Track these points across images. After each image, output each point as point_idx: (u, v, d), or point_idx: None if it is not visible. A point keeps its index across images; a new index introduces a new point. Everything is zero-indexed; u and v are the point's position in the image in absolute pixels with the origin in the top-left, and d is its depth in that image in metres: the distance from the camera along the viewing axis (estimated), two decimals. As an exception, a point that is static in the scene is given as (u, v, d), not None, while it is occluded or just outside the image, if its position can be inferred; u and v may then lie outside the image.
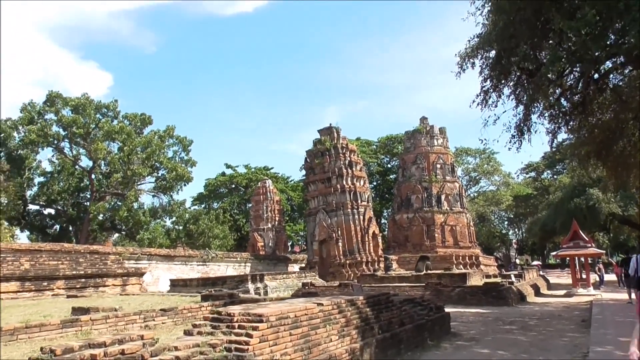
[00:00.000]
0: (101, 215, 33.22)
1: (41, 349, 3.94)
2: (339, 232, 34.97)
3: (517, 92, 13.69)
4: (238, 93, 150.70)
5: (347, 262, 33.86)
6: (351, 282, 21.64)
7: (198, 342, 4.89)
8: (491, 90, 13.15)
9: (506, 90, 13.73)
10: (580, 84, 14.19)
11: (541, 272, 36.64)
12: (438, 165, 44.57)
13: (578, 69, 13.16)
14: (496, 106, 13.15)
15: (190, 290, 24.48)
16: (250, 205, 53.37)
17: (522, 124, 13.43)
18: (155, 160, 33.88)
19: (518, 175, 69.22)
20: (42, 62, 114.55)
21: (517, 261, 64.00)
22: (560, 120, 14.85)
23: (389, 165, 65.02)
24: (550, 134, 14.85)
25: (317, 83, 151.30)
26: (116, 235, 41.10)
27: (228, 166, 66.67)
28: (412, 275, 21.07)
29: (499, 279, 22.70)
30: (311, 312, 6.24)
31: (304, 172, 39.47)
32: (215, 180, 66.45)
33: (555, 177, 57.56)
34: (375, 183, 66.16)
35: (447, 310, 15.92)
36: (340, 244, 34.82)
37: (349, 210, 35.20)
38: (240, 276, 23.49)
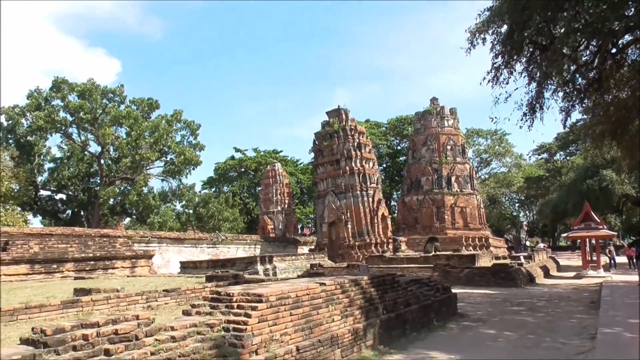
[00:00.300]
0: (112, 199, 33.43)
1: (32, 329, 3.89)
2: (348, 214, 34.92)
3: (529, 69, 13.30)
4: (247, 78, 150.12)
5: (356, 243, 33.87)
6: (359, 263, 21.61)
7: (195, 322, 4.82)
8: (502, 67, 12.79)
9: (518, 67, 13.35)
10: (596, 59, 13.74)
11: (551, 254, 36.34)
12: (448, 147, 44.10)
13: (594, 42, 12.73)
14: (507, 83, 12.81)
15: (200, 272, 24.61)
16: (259, 188, 53.44)
17: (534, 102, 13.09)
18: (164, 144, 33.88)
19: (530, 157, 68.24)
20: (50, 50, 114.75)
21: (528, 243, 63.59)
22: (574, 98, 14.43)
23: (398, 147, 64.52)
24: (564, 112, 14.46)
25: (326, 66, 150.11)
26: (127, 219, 41.45)
27: (237, 150, 66.62)
28: (420, 257, 20.97)
29: (508, 261, 22.52)
30: (313, 292, 6.14)
31: (313, 155, 39.25)
32: (224, 164, 66.53)
33: (568, 158, 56.63)
34: (385, 165, 65.79)
35: (455, 291, 15.82)
36: (349, 226, 34.79)
37: (358, 192, 35.06)
38: (249, 258, 23.57)
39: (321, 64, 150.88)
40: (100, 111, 32.97)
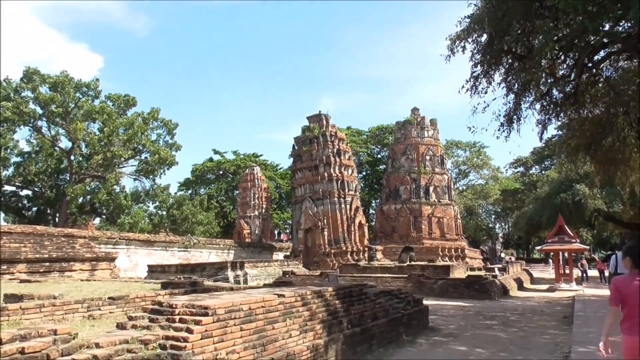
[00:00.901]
0: (81, 198, 32.21)
1: None
2: (325, 220, 34.47)
3: (508, 80, 13.11)
4: (232, 80, 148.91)
5: (332, 251, 33.42)
6: (329, 272, 21.14)
7: (128, 337, 4.25)
8: (481, 76, 12.55)
9: (497, 77, 13.15)
10: (573, 73, 13.67)
11: (524, 266, 36.49)
12: (427, 157, 44.24)
13: (571, 55, 12.62)
14: (486, 92, 12.57)
15: (169, 277, 23.83)
16: (237, 192, 52.63)
17: (511, 113, 12.88)
18: (138, 142, 32.83)
19: (507, 170, 69.19)
20: (30, 42, 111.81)
21: (503, 255, 64.12)
22: (551, 112, 14.33)
23: (379, 156, 64.55)
24: (540, 125, 14.31)
25: (311, 73, 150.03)
26: (97, 219, 40.11)
27: (216, 152, 65.67)
28: (395, 266, 20.62)
29: (482, 272, 22.34)
30: (270, 304, 5.63)
31: (292, 159, 38.74)
32: (202, 166, 65.43)
33: (543, 172, 57.46)
34: (364, 173, 65.72)
35: (428, 302, 15.47)
36: (325, 233, 34.34)
37: (336, 199, 34.69)
38: (220, 263, 22.92)
39: (307, 70, 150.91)
40: (73, 105, 31.77)
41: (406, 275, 18.57)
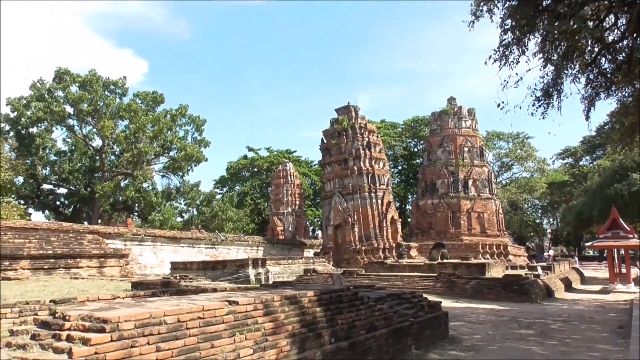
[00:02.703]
0: (110, 196, 32.25)
1: None
2: (355, 216, 33.02)
3: (545, 48, 11.23)
4: (268, 79, 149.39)
5: (363, 248, 31.93)
6: (358, 269, 19.72)
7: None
8: (512, 44, 10.72)
9: (532, 46, 11.30)
10: (625, 39, 11.65)
11: (575, 264, 33.64)
12: (466, 149, 42.11)
13: (624, 16, 10.65)
14: (518, 63, 10.72)
15: (190, 274, 23.12)
16: (270, 188, 51.97)
17: (550, 87, 11.01)
18: (165, 139, 32.56)
19: (554, 161, 65.21)
20: (79, 49, 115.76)
21: (552, 252, 60.43)
22: (599, 85, 12.31)
23: (415, 149, 62.29)
24: (587, 101, 12.33)
25: (349, 70, 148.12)
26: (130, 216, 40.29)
27: (250, 149, 65.30)
28: (424, 264, 18.96)
29: (525, 271, 20.30)
30: (212, 314, 4.34)
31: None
32: (236, 164, 65.21)
33: (594, 163, 53.45)
34: (400, 167, 63.73)
35: (458, 305, 13.83)
36: (356, 229, 32.88)
37: (366, 193, 33.15)
38: (241, 260, 21.97)
39: (346, 67, 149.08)
40: (102, 103, 31.88)
41: (436, 275, 16.89)
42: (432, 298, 15.75)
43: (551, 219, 69.05)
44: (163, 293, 6.77)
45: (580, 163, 59.52)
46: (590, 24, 10.88)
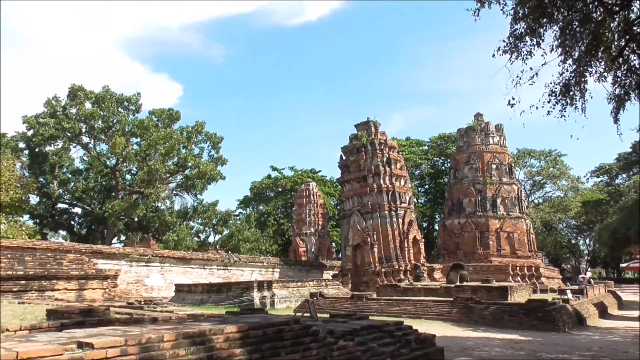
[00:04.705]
0: (123, 215, 31.80)
1: None
2: (375, 236, 31.53)
3: (565, 42, 9.89)
4: (303, 101, 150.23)
5: (383, 270, 30.33)
6: (367, 293, 18.26)
7: None
8: (525, 34, 9.41)
9: (549, 38, 9.96)
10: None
11: (612, 287, 31.03)
12: (494, 166, 40.40)
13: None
14: (531, 55, 9.40)
15: (195, 297, 22.14)
16: (294, 208, 51.02)
17: (570, 84, 9.61)
18: (178, 156, 32.07)
19: (588, 179, 62.09)
20: (116, 74, 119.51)
21: (589, 274, 56.89)
22: (628, 83, 10.83)
23: (442, 168, 60.41)
24: (615, 101, 10.85)
25: (381, 89, 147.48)
26: (144, 235, 39.89)
27: (274, 169, 64.68)
28: (441, 288, 17.37)
29: (554, 295, 18.42)
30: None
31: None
32: (260, 183, 64.58)
33: (630, 180, 50.37)
34: (427, 186, 61.85)
35: (472, 335, 12.28)
36: (375, 249, 31.36)
37: (386, 212, 31.70)
38: (246, 283, 20.92)
39: (377, 86, 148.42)
40: (115, 120, 31.71)
41: (452, 299, 15.32)
42: (446, 325, 14.25)
43: (587, 240, 65.50)
44: (80, 324, 5.64)
45: (617, 181, 56.37)
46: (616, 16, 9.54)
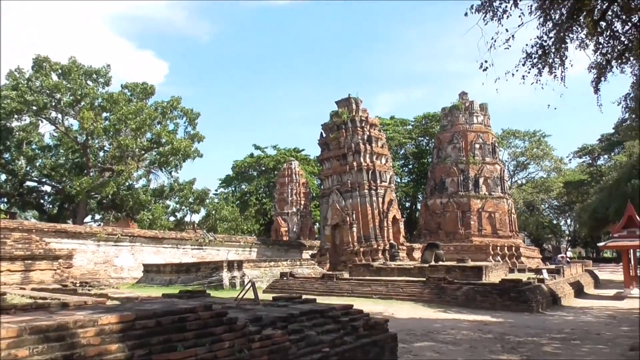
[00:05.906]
0: (95, 193, 30.54)
1: None
2: (354, 215, 30.97)
3: (544, 2, 9.13)
4: (290, 81, 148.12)
5: (361, 249, 29.87)
6: (338, 273, 17.68)
7: None
8: (501, -8, 8.60)
9: (528, -1, 9.17)
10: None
11: (590, 267, 31.04)
12: (477, 145, 39.95)
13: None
14: (508, 16, 8.61)
15: (164, 277, 21.41)
16: (276, 187, 50.28)
17: (546, 46, 8.88)
18: (151, 132, 30.79)
19: (570, 160, 62.26)
20: (102, 51, 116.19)
21: (569, 254, 57.34)
22: (610, 51, 10.15)
23: (427, 148, 59.96)
24: (596, 70, 10.18)
25: (370, 71, 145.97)
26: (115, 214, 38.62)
27: (257, 147, 63.55)
28: (415, 268, 16.87)
29: (531, 274, 18.04)
30: None
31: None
32: (242, 162, 63.47)
33: (612, 160, 50.49)
34: (411, 166, 61.42)
35: (443, 316, 11.76)
36: (354, 229, 30.82)
37: (366, 191, 31.10)
38: (215, 263, 20.22)
39: (366, 68, 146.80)
40: (83, 93, 30.16)
41: (424, 279, 14.79)
42: (417, 306, 13.74)
43: (568, 220, 66.04)
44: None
45: (598, 162, 56.52)
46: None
